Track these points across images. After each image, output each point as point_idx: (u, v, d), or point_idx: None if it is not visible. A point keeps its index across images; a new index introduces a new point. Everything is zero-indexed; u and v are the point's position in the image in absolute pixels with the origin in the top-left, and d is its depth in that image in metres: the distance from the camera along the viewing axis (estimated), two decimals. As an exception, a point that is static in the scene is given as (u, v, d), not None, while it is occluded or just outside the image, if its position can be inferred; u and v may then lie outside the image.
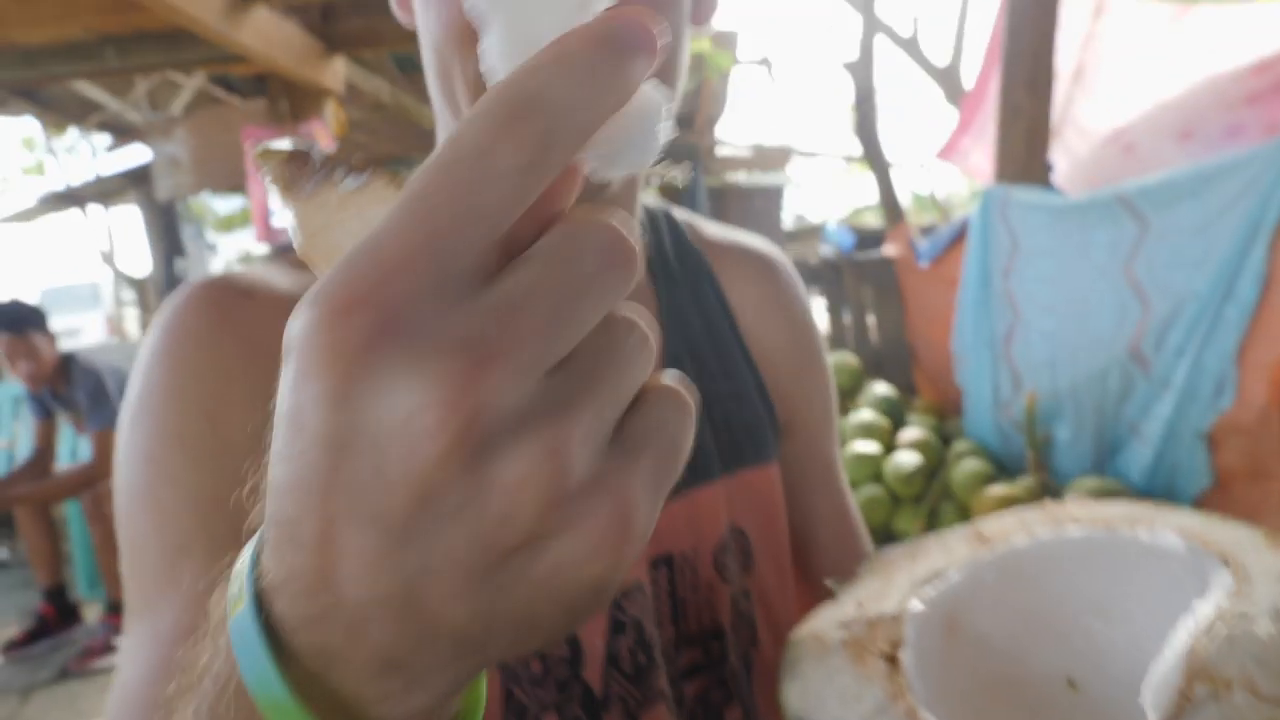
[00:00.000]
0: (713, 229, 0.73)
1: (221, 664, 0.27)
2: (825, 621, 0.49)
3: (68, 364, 3.20)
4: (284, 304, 0.52)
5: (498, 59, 0.25)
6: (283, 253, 0.57)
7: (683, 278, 0.67)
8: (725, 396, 0.66)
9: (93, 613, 3.44)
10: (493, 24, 0.25)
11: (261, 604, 0.25)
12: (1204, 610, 0.36)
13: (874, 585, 0.50)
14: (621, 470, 0.23)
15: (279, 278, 0.55)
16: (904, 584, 0.49)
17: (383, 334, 0.20)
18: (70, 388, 3.19)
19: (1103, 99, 4.78)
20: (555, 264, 0.22)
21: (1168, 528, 0.42)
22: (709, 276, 0.69)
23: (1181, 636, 0.35)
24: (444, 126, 0.60)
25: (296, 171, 0.28)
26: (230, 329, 0.50)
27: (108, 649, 2.99)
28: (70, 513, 3.50)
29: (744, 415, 0.67)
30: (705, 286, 0.69)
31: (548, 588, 0.23)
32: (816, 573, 0.77)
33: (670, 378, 0.26)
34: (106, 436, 3.10)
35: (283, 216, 0.29)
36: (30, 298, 3.53)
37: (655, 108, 0.23)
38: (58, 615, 3.22)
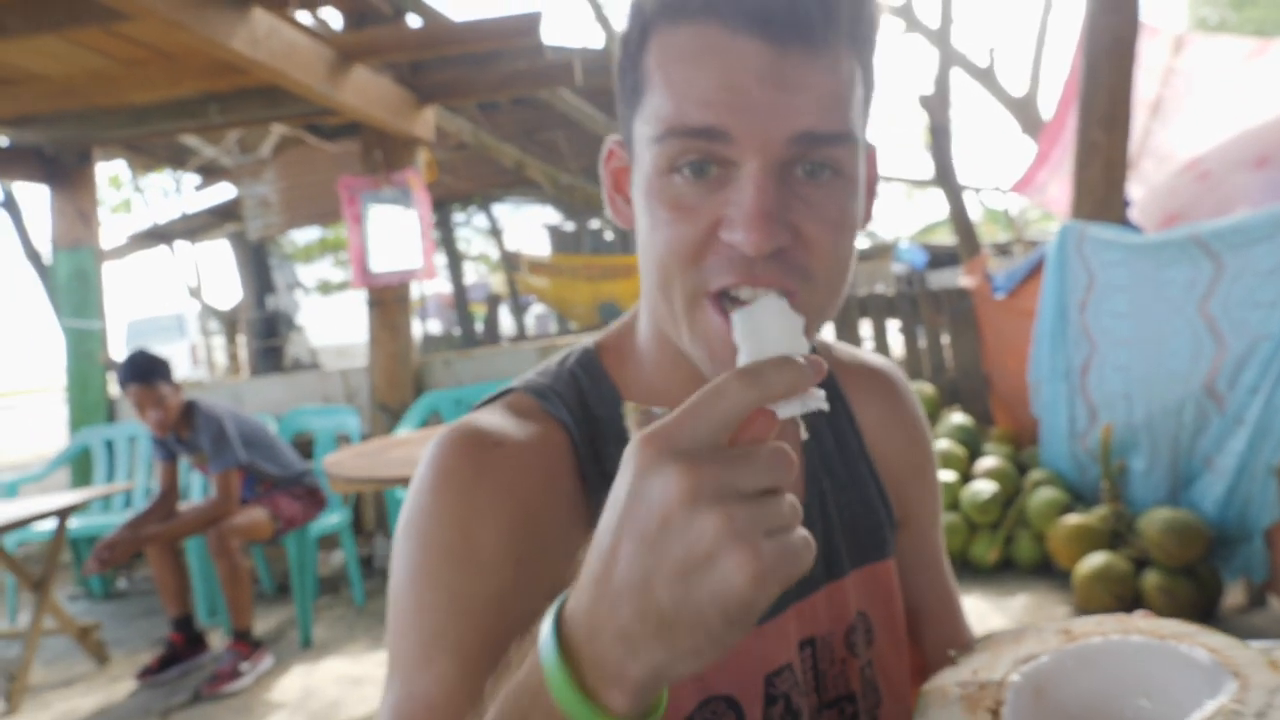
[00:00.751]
0: (841, 349, 0.90)
1: (527, 668, 0.47)
2: (948, 680, 0.70)
3: (191, 410, 3.44)
4: (525, 451, 0.68)
5: (744, 358, 0.51)
6: (501, 397, 0.76)
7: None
8: (854, 503, 0.82)
9: (216, 638, 3.72)
10: (743, 348, 0.51)
11: (560, 618, 0.45)
12: (1211, 705, 0.56)
13: (985, 658, 0.71)
14: (765, 538, 0.41)
15: (512, 426, 0.69)
16: (1008, 660, 0.69)
17: (662, 452, 0.42)
18: (194, 433, 3.43)
19: (1179, 129, 4.79)
20: (750, 453, 0.43)
21: (1200, 645, 0.61)
22: (839, 396, 0.85)
23: (1200, 717, 0.55)
24: (649, 307, 0.73)
25: (646, 420, 0.50)
26: (486, 470, 0.66)
27: (235, 674, 3.23)
28: (189, 547, 3.74)
29: (868, 519, 0.83)
30: (836, 405, 0.84)
31: (715, 595, 0.40)
32: (926, 642, 0.93)
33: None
34: (228, 477, 3.38)
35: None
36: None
37: (819, 396, 0.47)
38: (186, 643, 3.45)
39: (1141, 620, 0.68)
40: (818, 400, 0.46)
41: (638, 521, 0.42)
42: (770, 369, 0.43)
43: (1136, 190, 4.83)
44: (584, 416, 0.73)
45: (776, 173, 0.57)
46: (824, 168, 0.59)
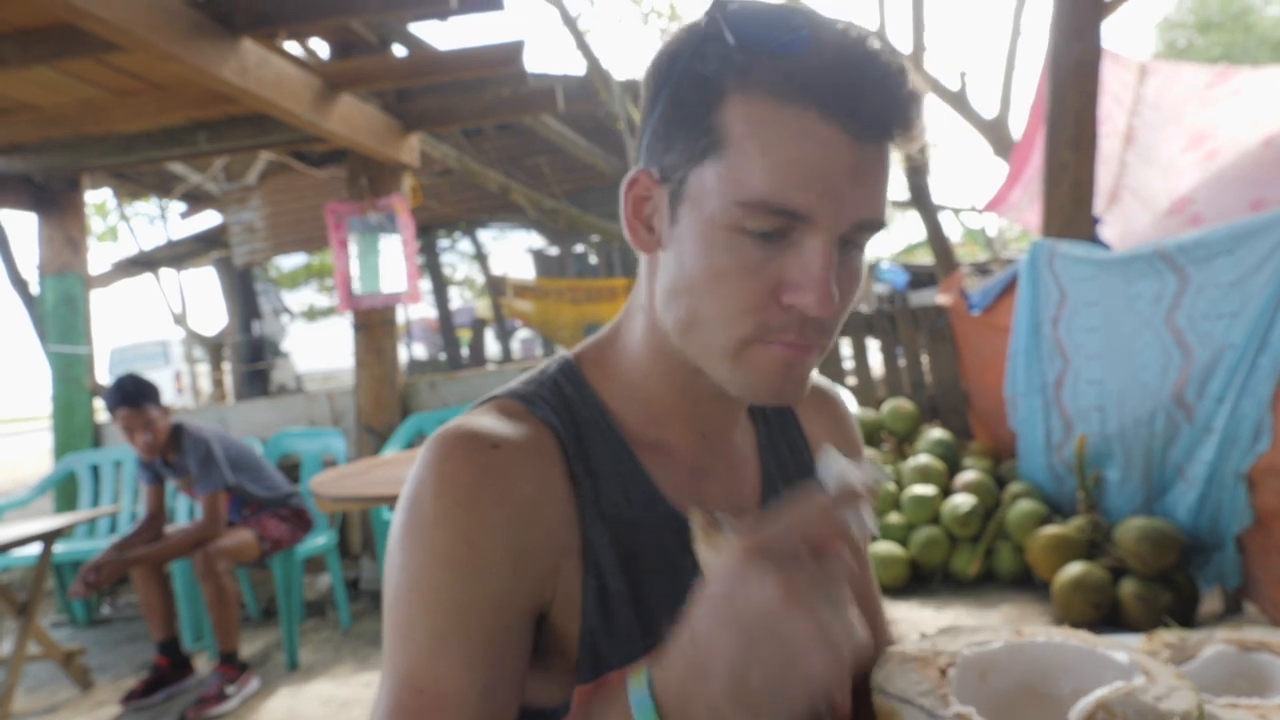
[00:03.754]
0: None
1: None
2: (909, 645, 0.82)
3: (178, 433, 3.45)
4: (520, 451, 0.71)
5: (829, 484, 0.58)
6: (488, 402, 0.80)
7: (773, 415, 0.92)
8: None
9: (202, 662, 3.70)
10: (828, 480, 0.58)
11: (651, 683, 0.55)
12: (1120, 686, 0.68)
13: (945, 639, 0.82)
14: (830, 617, 0.50)
15: (505, 428, 0.72)
16: (965, 641, 0.81)
17: (763, 558, 0.51)
18: (181, 455, 3.44)
19: (1157, 164, 4.87)
20: (831, 565, 0.53)
21: (1123, 649, 0.75)
22: (790, 412, 0.93)
23: (1103, 691, 0.67)
24: (661, 330, 0.78)
25: (713, 529, 0.58)
26: (486, 475, 0.68)
27: (221, 698, 3.21)
28: (175, 570, 3.72)
29: None
30: (788, 419, 0.92)
31: (804, 684, 0.49)
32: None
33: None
34: (215, 499, 3.39)
35: (702, 553, 0.58)
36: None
37: (867, 527, 0.56)
38: (172, 666, 3.43)
39: (1082, 633, 0.80)
40: (869, 523, 0.56)
41: (739, 616, 0.51)
42: (842, 499, 0.55)
43: (1119, 227, 4.91)
44: (569, 419, 0.77)
45: (836, 248, 0.66)
46: (856, 244, 0.69)
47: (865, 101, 0.63)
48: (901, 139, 0.66)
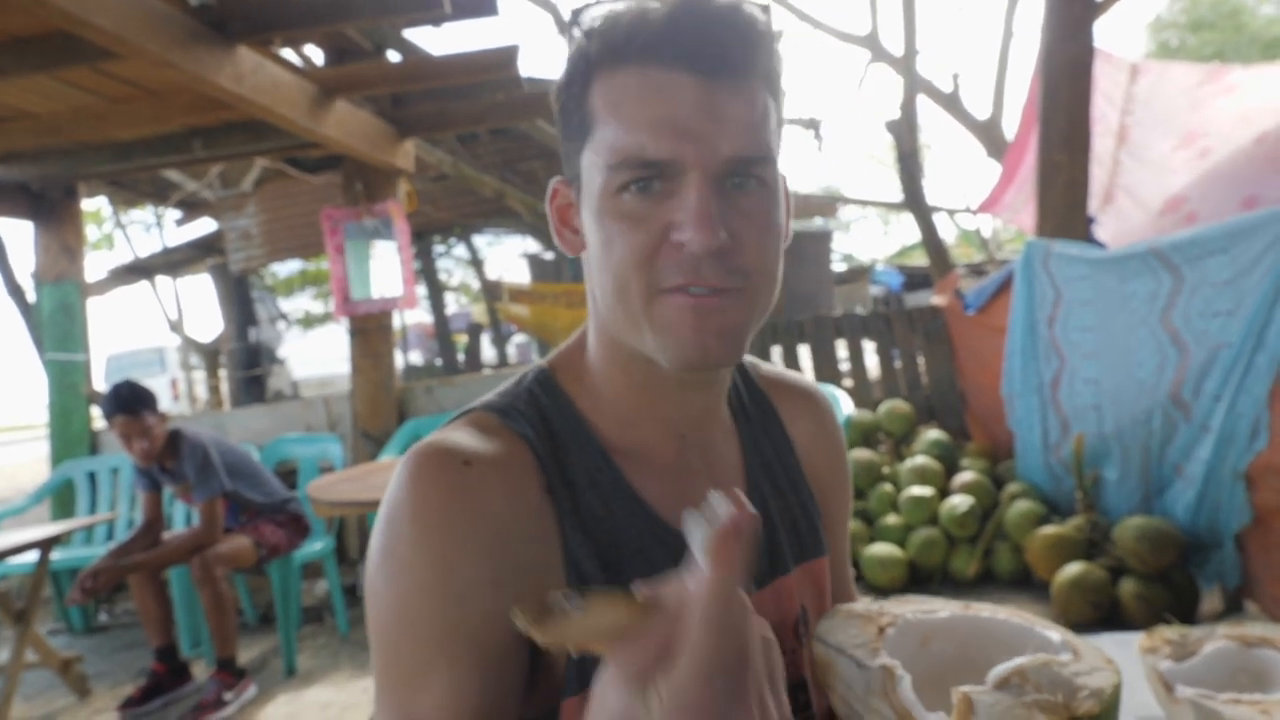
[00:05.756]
0: (767, 368, 0.98)
1: None
2: (857, 606, 0.84)
3: (175, 439, 3.43)
4: (493, 467, 0.70)
5: (696, 550, 0.47)
6: (463, 416, 0.80)
7: (756, 415, 0.91)
8: (792, 506, 0.89)
9: (199, 669, 3.68)
10: (698, 554, 0.46)
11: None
12: (1040, 656, 0.70)
13: (896, 604, 0.85)
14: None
15: (479, 443, 0.72)
16: (911, 608, 0.83)
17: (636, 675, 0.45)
18: (178, 462, 3.42)
19: (1150, 163, 4.89)
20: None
21: (1056, 631, 0.77)
22: (772, 411, 0.92)
23: (1022, 659, 0.69)
24: (601, 318, 0.78)
25: (541, 614, 0.45)
26: (459, 494, 0.68)
27: (219, 704, 3.21)
28: (172, 576, 3.72)
29: (805, 520, 0.90)
30: (771, 420, 0.92)
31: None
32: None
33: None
34: (212, 505, 3.38)
35: (536, 637, 0.45)
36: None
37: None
38: (170, 673, 3.43)
39: (1025, 613, 0.82)
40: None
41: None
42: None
43: (1113, 227, 4.92)
44: (545, 430, 0.77)
45: (714, 185, 0.67)
46: (750, 179, 0.68)
47: (699, 40, 0.66)
48: (751, 70, 0.68)
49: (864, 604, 0.81)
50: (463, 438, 0.73)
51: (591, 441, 0.78)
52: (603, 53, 0.68)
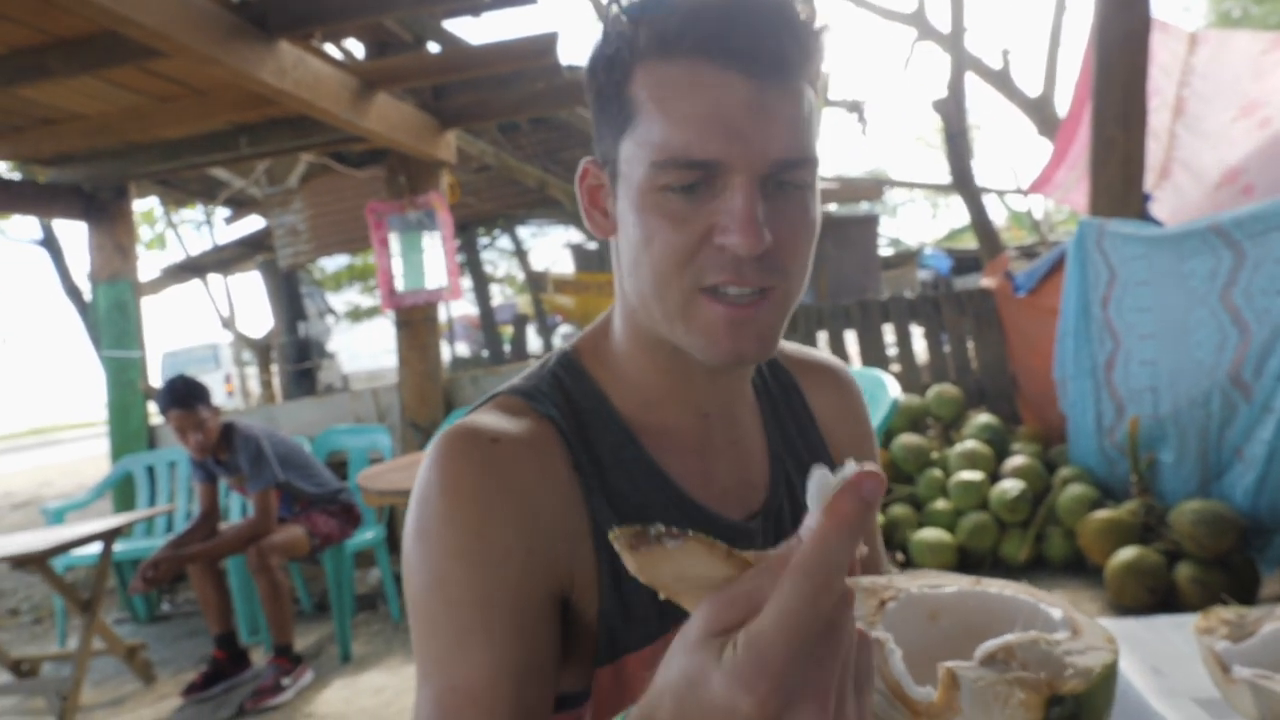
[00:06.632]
0: (790, 347, 0.98)
1: None
2: (863, 579, 0.81)
3: (229, 432, 3.53)
4: (520, 445, 0.71)
5: (812, 503, 0.42)
6: (490, 400, 0.81)
7: (779, 393, 0.91)
8: None
9: (258, 655, 3.79)
10: (812, 507, 0.42)
11: None
12: (1030, 633, 0.68)
13: (905, 579, 0.82)
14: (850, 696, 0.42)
15: (506, 423, 0.73)
16: (919, 583, 0.80)
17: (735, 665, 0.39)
18: (232, 454, 3.51)
19: (1207, 135, 4.73)
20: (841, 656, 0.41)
21: (1059, 607, 0.75)
22: (794, 386, 0.93)
23: (1012, 636, 0.66)
24: (633, 308, 0.77)
25: (638, 540, 0.42)
26: (488, 470, 0.69)
27: (277, 689, 3.30)
28: (230, 565, 3.82)
29: None
30: (793, 395, 0.92)
31: None
32: None
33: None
34: (266, 496, 3.47)
35: (628, 563, 0.43)
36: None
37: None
38: (229, 659, 3.53)
39: (1030, 588, 0.80)
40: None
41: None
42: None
43: (1171, 201, 4.78)
44: (570, 411, 0.78)
45: (759, 187, 0.66)
46: (792, 181, 0.68)
47: (752, 40, 0.64)
48: (801, 70, 0.67)
49: (872, 578, 0.80)
50: (490, 419, 0.74)
51: (616, 421, 0.79)
52: (651, 42, 0.67)
